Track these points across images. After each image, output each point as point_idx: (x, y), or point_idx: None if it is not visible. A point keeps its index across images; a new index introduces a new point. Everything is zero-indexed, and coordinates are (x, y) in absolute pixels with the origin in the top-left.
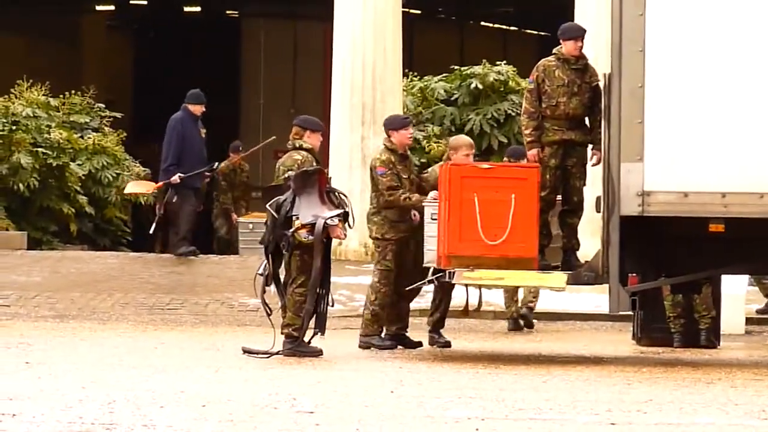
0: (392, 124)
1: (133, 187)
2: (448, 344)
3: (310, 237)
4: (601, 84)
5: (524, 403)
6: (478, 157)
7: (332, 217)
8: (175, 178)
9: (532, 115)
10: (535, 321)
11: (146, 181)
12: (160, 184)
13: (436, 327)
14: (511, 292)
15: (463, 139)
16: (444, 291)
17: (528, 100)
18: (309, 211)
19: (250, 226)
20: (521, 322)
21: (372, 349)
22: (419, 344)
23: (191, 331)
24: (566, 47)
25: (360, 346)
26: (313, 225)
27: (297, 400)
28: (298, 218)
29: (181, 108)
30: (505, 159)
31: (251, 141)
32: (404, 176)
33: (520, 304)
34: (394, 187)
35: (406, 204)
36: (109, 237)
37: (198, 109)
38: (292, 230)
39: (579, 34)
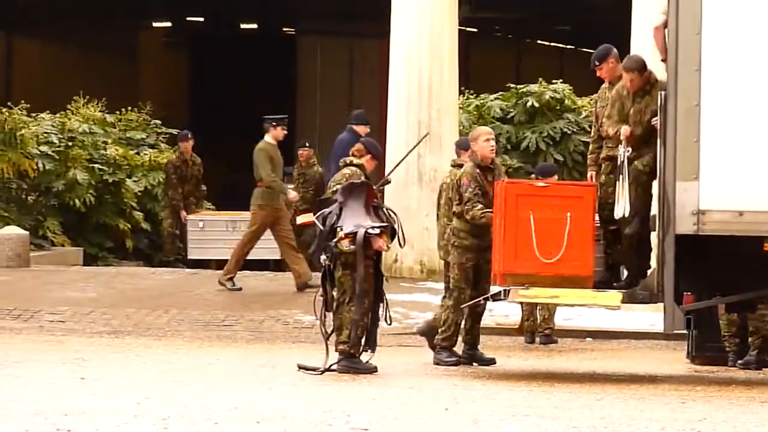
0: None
1: (304, 218)
2: (476, 361)
3: (352, 246)
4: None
5: (579, 421)
6: (533, 175)
7: (374, 227)
8: None
9: (592, 137)
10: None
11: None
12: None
13: (471, 344)
14: (531, 307)
15: (481, 128)
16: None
17: (593, 121)
18: (352, 222)
19: (200, 224)
20: (538, 339)
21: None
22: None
23: (246, 348)
24: None
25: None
26: (355, 234)
27: (351, 416)
28: (342, 229)
29: (346, 129)
30: (532, 176)
31: None
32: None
33: (539, 328)
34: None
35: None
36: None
37: (363, 130)
38: (335, 240)
39: (596, 61)
